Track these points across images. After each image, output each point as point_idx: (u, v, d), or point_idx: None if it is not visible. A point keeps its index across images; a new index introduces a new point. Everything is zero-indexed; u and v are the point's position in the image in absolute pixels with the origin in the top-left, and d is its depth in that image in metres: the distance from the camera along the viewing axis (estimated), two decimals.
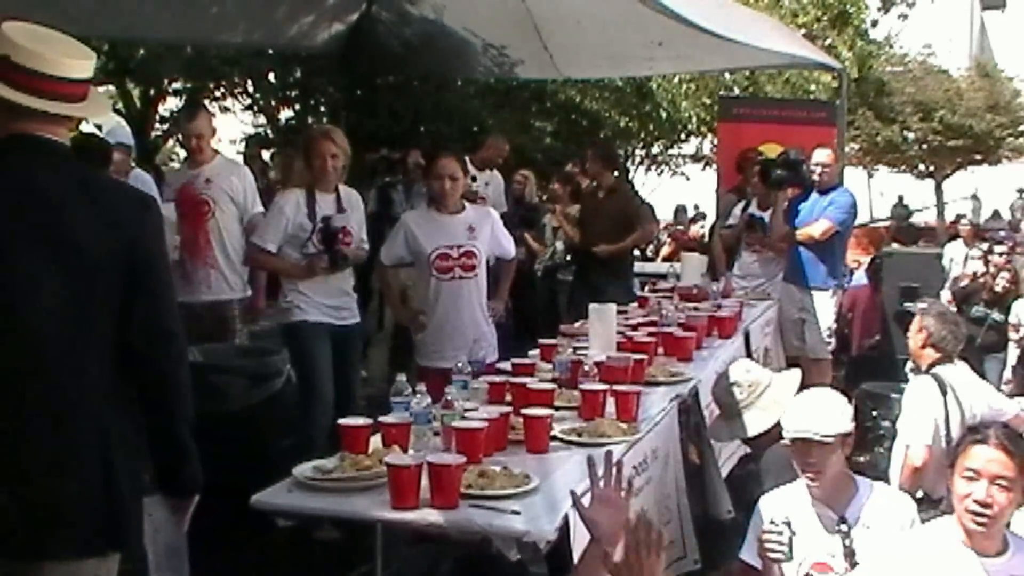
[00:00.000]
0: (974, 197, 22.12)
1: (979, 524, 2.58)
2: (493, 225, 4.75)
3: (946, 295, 8.81)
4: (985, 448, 2.59)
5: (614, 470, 2.07)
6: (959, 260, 11.58)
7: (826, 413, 3.10)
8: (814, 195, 6.57)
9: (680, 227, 13.48)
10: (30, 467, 2.17)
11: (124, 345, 2.25)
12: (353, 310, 4.96)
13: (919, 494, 3.99)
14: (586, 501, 2.17)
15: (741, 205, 7.25)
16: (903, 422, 4.24)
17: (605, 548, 2.06)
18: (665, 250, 12.36)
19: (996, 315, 7.94)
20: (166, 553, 2.56)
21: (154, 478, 2.41)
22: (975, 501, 2.57)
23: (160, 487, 2.41)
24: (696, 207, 15.09)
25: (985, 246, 10.15)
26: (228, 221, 5.35)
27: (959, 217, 16.44)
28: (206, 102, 12.88)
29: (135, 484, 2.33)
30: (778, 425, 3.46)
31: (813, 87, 12.48)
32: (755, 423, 3.58)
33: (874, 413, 5.94)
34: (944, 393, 4.16)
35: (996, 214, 20.98)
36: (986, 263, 8.97)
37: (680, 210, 15.18)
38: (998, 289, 8.07)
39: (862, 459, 5.62)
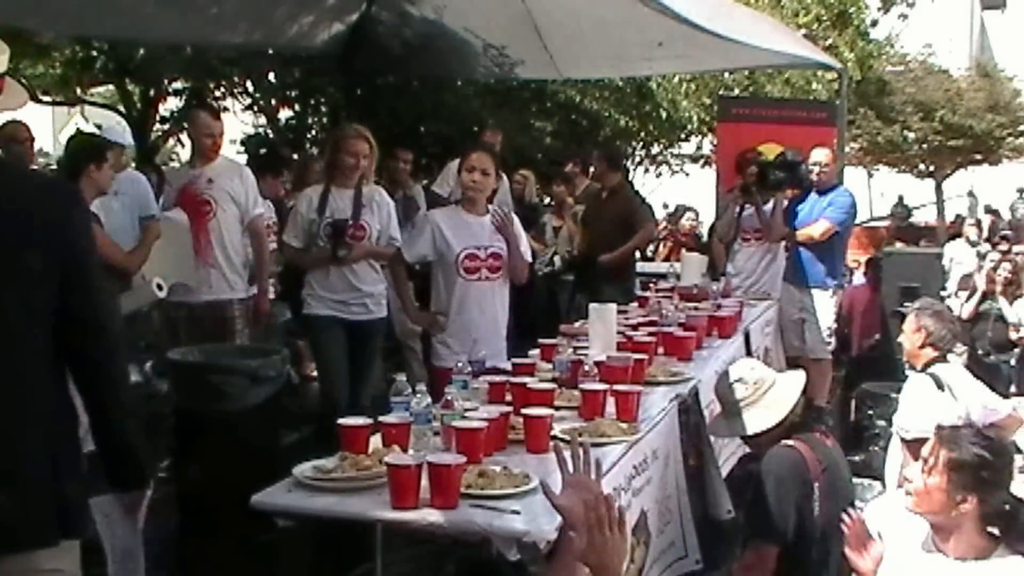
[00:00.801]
0: (970, 194, 22.12)
1: (907, 503, 2.67)
2: (519, 229, 4.75)
3: (963, 296, 8.81)
4: (933, 438, 2.70)
5: (582, 453, 2.04)
6: (959, 259, 11.59)
7: None
8: (813, 195, 6.58)
9: (670, 227, 13.22)
10: None
11: (59, 340, 2.26)
12: (368, 305, 5.17)
13: None
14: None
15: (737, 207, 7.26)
16: (900, 421, 4.24)
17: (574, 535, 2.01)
18: (662, 250, 12.28)
19: (997, 306, 7.99)
20: (122, 556, 2.57)
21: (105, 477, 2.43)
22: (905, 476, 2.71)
23: (109, 484, 2.42)
24: (665, 205, 14.85)
25: (1004, 247, 10.16)
26: (229, 222, 5.36)
27: (961, 218, 16.44)
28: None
29: (79, 475, 2.33)
30: (780, 425, 3.46)
31: (815, 86, 12.47)
32: (757, 421, 3.56)
33: (869, 412, 5.94)
34: (941, 391, 4.17)
35: (996, 214, 20.97)
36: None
37: (678, 210, 15.03)
38: (1000, 280, 8.14)
39: (857, 458, 5.62)
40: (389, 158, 7.47)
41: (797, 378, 3.69)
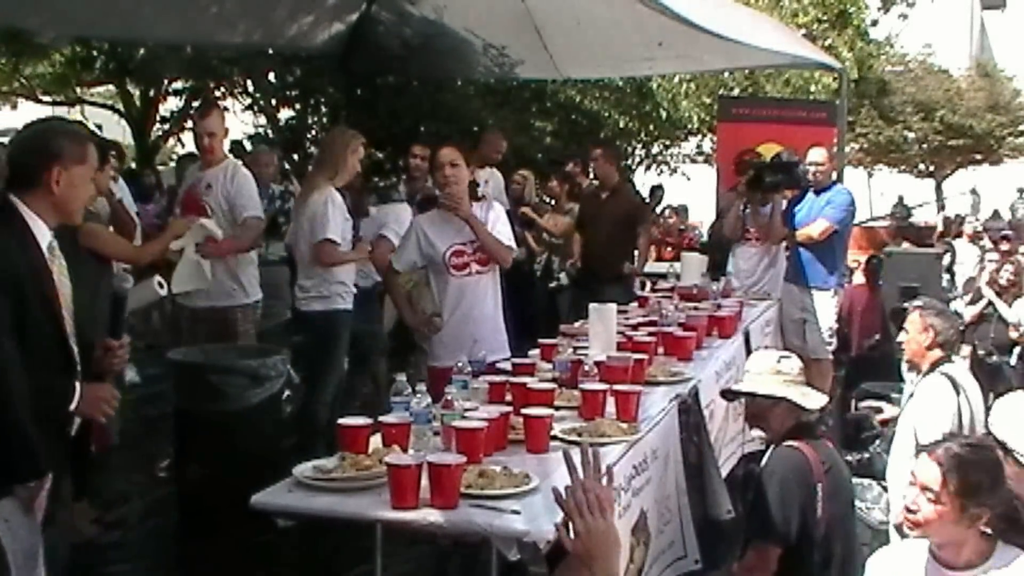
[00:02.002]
0: (973, 192, 22.08)
1: (909, 527, 2.61)
2: (498, 218, 4.69)
3: (967, 298, 8.80)
4: (926, 458, 2.61)
5: (592, 462, 2.04)
6: (960, 259, 11.57)
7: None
8: (810, 195, 6.57)
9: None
10: None
11: None
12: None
13: None
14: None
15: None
16: (917, 423, 4.21)
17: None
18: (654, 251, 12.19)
19: (999, 304, 7.98)
20: (24, 559, 2.59)
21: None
22: (905, 505, 2.60)
23: (2, 476, 2.50)
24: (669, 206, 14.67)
25: (1006, 247, 10.12)
26: (227, 228, 5.28)
27: (961, 218, 16.41)
28: None
29: None
30: (801, 415, 3.43)
31: (813, 87, 12.47)
32: (797, 396, 3.50)
33: (859, 412, 5.93)
34: (958, 393, 4.16)
35: (996, 214, 20.99)
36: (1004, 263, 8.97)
37: (681, 210, 14.96)
38: (1002, 282, 8.13)
39: (856, 458, 5.60)
40: (407, 156, 7.44)
41: (822, 395, 3.66)
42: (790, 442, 3.39)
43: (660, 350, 4.51)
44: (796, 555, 3.27)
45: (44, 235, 2.78)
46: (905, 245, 11.32)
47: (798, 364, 3.60)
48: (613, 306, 4.52)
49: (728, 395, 4.00)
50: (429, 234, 4.53)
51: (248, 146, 10.53)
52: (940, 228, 14.12)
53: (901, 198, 21.52)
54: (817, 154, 6.54)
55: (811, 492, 3.27)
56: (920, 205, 20.77)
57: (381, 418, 3.02)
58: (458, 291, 4.51)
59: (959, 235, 13.34)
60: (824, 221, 6.40)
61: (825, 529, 3.29)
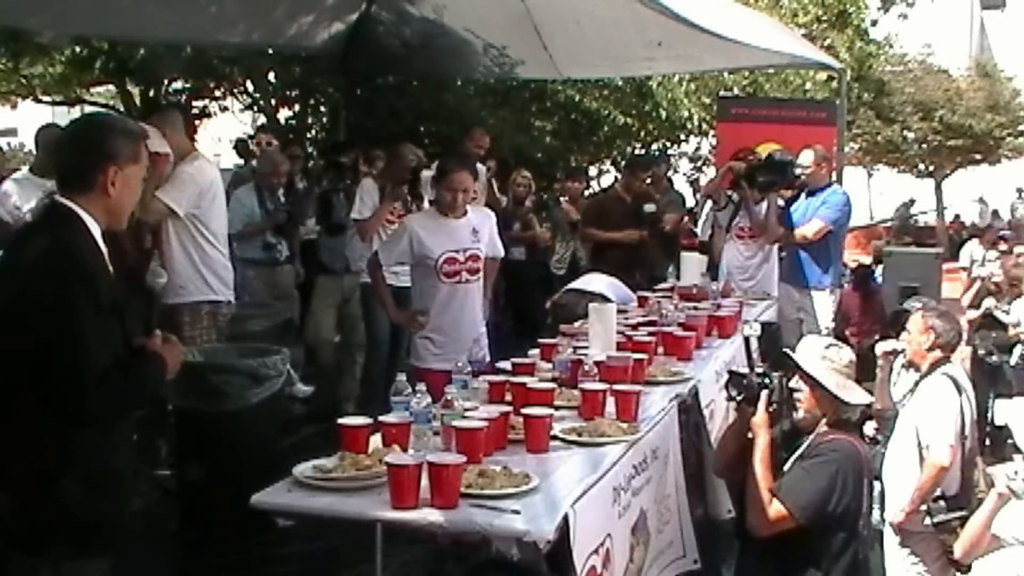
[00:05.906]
0: (981, 200, 22.03)
1: None
2: (491, 227, 4.81)
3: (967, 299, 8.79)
4: None
5: None
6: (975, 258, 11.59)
7: None
8: (803, 196, 6.57)
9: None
10: None
11: None
12: None
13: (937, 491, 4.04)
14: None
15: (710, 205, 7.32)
16: (920, 423, 4.20)
17: None
18: None
19: (1000, 306, 7.97)
20: None
21: None
22: None
23: None
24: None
25: (1004, 247, 10.09)
26: (183, 226, 5.15)
27: (970, 223, 16.42)
28: (206, 102, 12.87)
29: None
30: (829, 413, 3.37)
31: (808, 85, 12.47)
32: (835, 387, 3.45)
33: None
34: (960, 393, 4.17)
35: (996, 214, 21.00)
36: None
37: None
38: (1000, 281, 8.12)
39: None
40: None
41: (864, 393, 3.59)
42: (844, 436, 3.31)
43: (660, 350, 4.51)
44: (818, 539, 3.19)
45: (96, 230, 2.64)
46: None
47: (847, 355, 3.47)
48: (613, 306, 4.53)
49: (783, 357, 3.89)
50: (423, 237, 4.53)
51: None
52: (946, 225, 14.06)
53: (913, 201, 21.36)
54: (804, 157, 6.54)
55: (861, 487, 3.22)
56: (922, 213, 20.80)
57: (381, 418, 3.02)
58: (447, 296, 4.55)
59: (974, 236, 13.30)
60: (819, 221, 6.41)
61: (852, 521, 3.25)
